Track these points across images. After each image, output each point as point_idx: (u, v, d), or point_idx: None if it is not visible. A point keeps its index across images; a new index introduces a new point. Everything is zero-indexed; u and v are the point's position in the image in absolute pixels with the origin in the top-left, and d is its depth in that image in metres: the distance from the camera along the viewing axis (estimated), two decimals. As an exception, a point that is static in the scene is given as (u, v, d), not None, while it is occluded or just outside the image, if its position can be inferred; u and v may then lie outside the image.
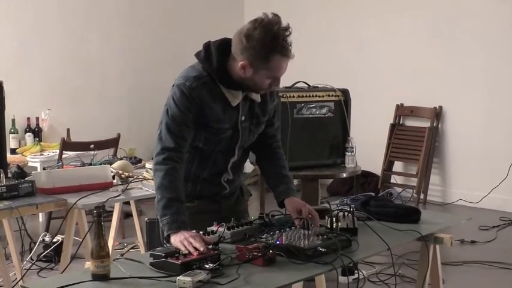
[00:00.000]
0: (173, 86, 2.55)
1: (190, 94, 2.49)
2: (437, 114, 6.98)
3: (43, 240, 4.93)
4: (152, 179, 3.25)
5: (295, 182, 6.82)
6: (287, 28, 2.43)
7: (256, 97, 2.61)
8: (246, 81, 2.49)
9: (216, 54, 2.51)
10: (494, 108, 6.65)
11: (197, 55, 2.59)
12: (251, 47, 2.40)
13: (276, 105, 2.78)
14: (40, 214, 6.05)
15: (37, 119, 6.56)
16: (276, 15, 2.44)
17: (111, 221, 4.72)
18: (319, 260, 2.25)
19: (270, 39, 2.38)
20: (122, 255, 4.76)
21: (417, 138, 7.02)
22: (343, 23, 7.63)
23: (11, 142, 6.31)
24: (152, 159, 2.60)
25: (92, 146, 5.15)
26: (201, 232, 2.38)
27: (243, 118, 2.60)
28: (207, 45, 2.56)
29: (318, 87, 4.64)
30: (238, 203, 2.81)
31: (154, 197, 2.50)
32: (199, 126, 2.53)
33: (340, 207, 2.70)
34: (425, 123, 7.01)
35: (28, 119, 6.51)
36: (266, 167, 2.81)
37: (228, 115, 2.56)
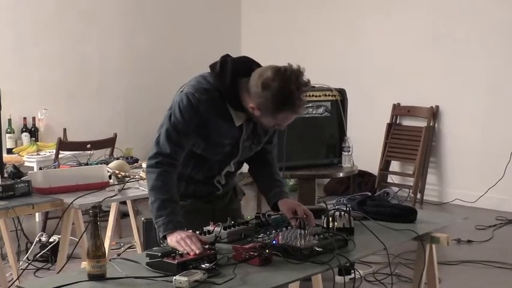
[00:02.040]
0: (181, 91, 2.51)
1: (197, 105, 2.45)
2: (434, 113, 6.99)
3: (39, 240, 4.92)
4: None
5: (292, 181, 6.83)
6: (306, 84, 2.37)
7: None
8: (253, 116, 2.48)
9: (230, 74, 2.46)
10: (490, 107, 6.66)
11: (212, 67, 2.53)
12: (264, 97, 2.36)
13: None
14: (36, 214, 6.04)
15: (33, 118, 6.55)
16: (299, 69, 2.37)
17: (107, 220, 4.71)
18: (316, 259, 2.25)
19: (283, 97, 2.34)
20: (119, 255, 4.76)
21: (414, 137, 7.02)
22: (340, 23, 7.63)
23: (7, 142, 6.29)
24: (148, 159, 2.60)
25: (88, 145, 5.15)
26: (197, 232, 2.38)
27: (245, 137, 2.59)
28: (224, 61, 2.50)
29: (314, 86, 4.63)
30: (232, 202, 2.82)
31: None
32: (199, 137, 2.52)
33: (336, 207, 2.71)
34: (422, 123, 7.01)
35: (24, 118, 6.50)
36: (258, 172, 2.80)
37: (231, 132, 2.55)
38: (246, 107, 2.46)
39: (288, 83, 2.34)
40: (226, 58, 2.52)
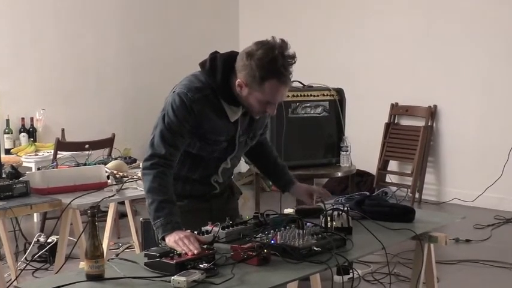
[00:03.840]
0: (173, 92, 2.51)
1: (190, 105, 2.45)
2: (432, 113, 6.99)
3: (38, 240, 4.92)
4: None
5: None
6: (291, 56, 2.39)
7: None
8: (241, 100, 2.47)
9: (221, 69, 2.47)
10: (488, 107, 6.66)
11: (202, 65, 2.54)
12: (249, 65, 2.38)
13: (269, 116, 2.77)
14: (35, 214, 6.04)
15: (32, 119, 6.54)
16: (283, 41, 2.39)
17: (105, 221, 4.71)
18: (314, 259, 2.25)
19: (268, 62, 2.35)
20: (117, 255, 4.76)
21: (412, 137, 7.03)
22: (338, 23, 7.63)
23: (6, 142, 6.30)
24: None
25: (86, 146, 5.14)
26: (195, 232, 2.38)
27: (241, 132, 2.60)
28: (213, 57, 2.52)
29: (312, 86, 4.64)
30: (229, 201, 2.82)
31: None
32: (194, 136, 2.52)
33: (335, 207, 2.71)
34: (420, 122, 7.02)
35: (23, 119, 6.49)
36: (260, 161, 2.91)
37: (226, 129, 2.55)
38: (237, 93, 2.45)
39: (272, 50, 2.37)
40: (215, 55, 2.53)
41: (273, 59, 2.35)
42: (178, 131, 2.47)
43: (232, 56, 2.49)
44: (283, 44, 2.39)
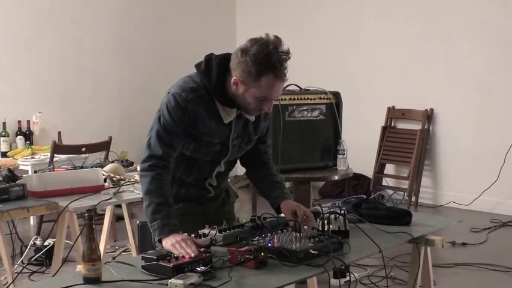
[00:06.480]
0: (168, 93, 2.52)
1: (184, 105, 2.47)
2: (428, 116, 7.00)
3: (34, 243, 4.91)
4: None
5: (287, 184, 6.83)
6: (286, 52, 2.40)
7: (251, 117, 2.60)
8: (238, 99, 2.47)
9: (216, 70, 2.48)
10: (485, 110, 6.67)
11: (197, 66, 2.55)
12: (245, 61, 2.38)
13: (269, 123, 2.76)
14: (31, 217, 6.03)
15: (28, 122, 6.53)
16: (277, 37, 2.41)
17: (102, 224, 4.71)
18: (311, 262, 2.25)
19: (263, 57, 2.36)
20: (114, 258, 4.76)
21: (409, 140, 7.04)
22: (335, 26, 7.64)
23: (2, 145, 6.29)
24: (142, 163, 2.59)
25: (83, 149, 5.14)
26: (192, 235, 2.38)
27: (235, 136, 2.60)
28: (209, 59, 2.53)
29: (309, 90, 4.64)
30: (224, 205, 2.82)
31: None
32: (189, 136, 2.52)
33: (331, 210, 2.71)
34: (417, 126, 7.03)
35: (19, 122, 6.48)
36: (257, 176, 2.82)
37: (220, 131, 2.55)
38: (232, 91, 2.45)
39: (267, 45, 2.38)
40: (210, 56, 2.54)
41: (268, 54, 2.37)
42: (174, 131, 2.48)
43: (226, 57, 2.51)
44: (277, 40, 2.40)
